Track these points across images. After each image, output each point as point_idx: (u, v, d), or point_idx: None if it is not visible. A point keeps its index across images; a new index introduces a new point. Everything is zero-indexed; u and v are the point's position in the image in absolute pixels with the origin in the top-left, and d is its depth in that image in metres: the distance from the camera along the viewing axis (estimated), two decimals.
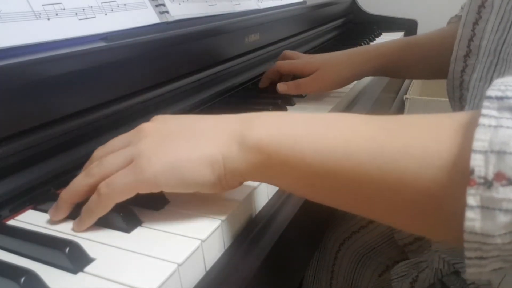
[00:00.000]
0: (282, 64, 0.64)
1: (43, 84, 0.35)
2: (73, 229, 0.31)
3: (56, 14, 0.41)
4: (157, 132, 0.31)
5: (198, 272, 0.28)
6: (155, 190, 0.29)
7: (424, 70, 0.63)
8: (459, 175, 0.20)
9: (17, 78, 0.33)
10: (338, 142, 0.25)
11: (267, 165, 0.28)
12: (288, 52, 0.69)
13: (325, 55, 0.64)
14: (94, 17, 0.45)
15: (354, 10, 1.37)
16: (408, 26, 1.30)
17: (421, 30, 1.31)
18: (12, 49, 0.36)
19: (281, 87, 0.60)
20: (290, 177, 0.28)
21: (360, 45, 1.03)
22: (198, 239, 0.28)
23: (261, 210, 0.37)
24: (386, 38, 1.20)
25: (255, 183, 0.36)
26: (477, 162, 0.19)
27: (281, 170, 0.28)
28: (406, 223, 0.25)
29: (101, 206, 0.29)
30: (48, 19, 0.40)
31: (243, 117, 0.31)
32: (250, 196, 0.35)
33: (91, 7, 0.45)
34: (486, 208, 0.19)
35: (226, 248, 0.32)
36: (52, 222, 0.32)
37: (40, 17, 0.40)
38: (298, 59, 0.65)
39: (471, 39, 0.44)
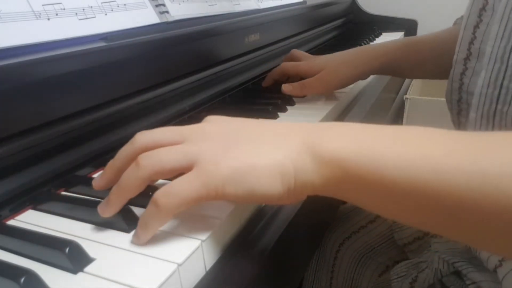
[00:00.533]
0: (287, 66, 0.64)
1: (43, 84, 0.35)
2: (133, 243, 0.28)
3: (56, 14, 0.41)
4: (221, 135, 0.28)
5: (198, 272, 0.28)
6: (220, 199, 0.27)
7: (428, 70, 0.63)
8: None
9: (17, 78, 0.33)
10: (425, 160, 0.24)
11: (343, 180, 0.26)
12: (295, 52, 0.68)
13: (330, 56, 0.64)
14: (94, 17, 0.45)
15: (354, 10, 1.37)
16: (408, 26, 1.30)
17: (421, 30, 1.31)
18: (12, 49, 0.36)
19: (286, 87, 0.60)
20: (368, 194, 0.26)
21: (360, 45, 1.03)
22: (198, 239, 0.28)
23: (262, 209, 0.37)
24: (386, 38, 1.20)
25: None
26: None
27: (358, 186, 0.26)
28: (506, 247, 0.24)
29: (159, 219, 0.26)
30: (48, 19, 0.40)
31: (313, 126, 0.29)
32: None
33: (91, 7, 0.46)
34: None
35: (226, 248, 0.32)
36: (102, 218, 0.30)
37: (40, 17, 0.40)
38: (303, 61, 0.65)
39: (471, 42, 0.44)
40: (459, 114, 0.49)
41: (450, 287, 0.48)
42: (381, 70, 0.63)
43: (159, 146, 0.28)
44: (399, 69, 0.64)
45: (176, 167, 0.27)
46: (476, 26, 0.43)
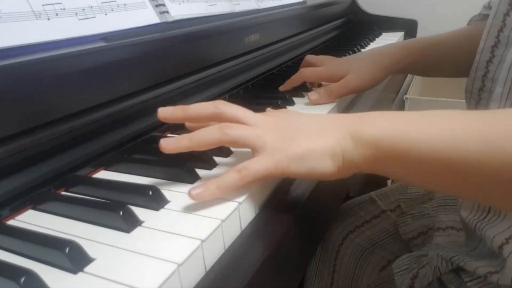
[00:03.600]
0: (306, 72, 0.62)
1: (43, 84, 0.35)
2: (192, 195, 0.32)
3: (56, 14, 0.41)
4: (284, 127, 0.36)
5: (198, 272, 0.28)
6: (285, 176, 0.34)
7: (449, 68, 0.63)
8: None
9: (17, 78, 0.33)
10: (443, 135, 0.30)
11: (379, 157, 0.32)
12: (310, 58, 0.67)
13: (350, 59, 0.64)
14: (94, 17, 0.45)
15: (354, 10, 1.37)
16: (408, 26, 1.30)
17: (421, 30, 1.31)
18: (12, 49, 0.36)
19: (313, 96, 0.58)
20: (399, 166, 0.33)
21: (360, 45, 1.03)
22: (198, 239, 0.28)
23: (262, 209, 0.37)
24: (386, 38, 1.20)
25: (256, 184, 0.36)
26: None
27: (392, 162, 0.32)
28: (506, 200, 0.30)
29: (239, 183, 0.33)
30: (48, 19, 0.40)
31: (352, 117, 0.36)
32: (250, 196, 0.35)
33: (91, 7, 0.46)
34: None
35: (226, 247, 0.32)
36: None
37: (40, 17, 0.40)
38: (320, 65, 0.64)
39: (501, 30, 0.45)
40: (478, 104, 0.50)
41: (449, 285, 0.49)
42: (402, 71, 0.64)
43: (236, 121, 0.36)
44: (418, 69, 0.65)
45: (247, 145, 0.35)
46: (507, 14, 0.44)
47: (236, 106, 0.37)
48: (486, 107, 0.47)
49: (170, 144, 0.35)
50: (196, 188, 0.32)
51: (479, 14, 0.64)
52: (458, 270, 0.48)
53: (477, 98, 0.50)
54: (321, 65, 0.64)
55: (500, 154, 0.27)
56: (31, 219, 0.33)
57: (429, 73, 0.70)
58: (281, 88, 0.65)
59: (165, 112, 0.37)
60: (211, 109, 0.36)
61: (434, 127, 0.31)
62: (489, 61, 0.47)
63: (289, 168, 0.33)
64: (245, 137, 0.34)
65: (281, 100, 0.58)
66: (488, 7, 0.60)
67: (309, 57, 0.68)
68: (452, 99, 1.26)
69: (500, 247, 0.41)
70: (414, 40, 0.65)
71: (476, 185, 0.30)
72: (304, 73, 0.62)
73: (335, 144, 0.33)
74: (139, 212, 0.32)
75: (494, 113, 0.31)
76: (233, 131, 0.34)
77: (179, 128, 0.52)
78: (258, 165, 0.33)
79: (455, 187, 0.32)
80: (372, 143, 0.32)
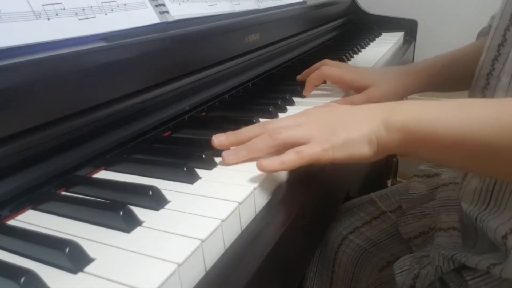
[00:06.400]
0: (328, 71, 0.63)
1: (42, 84, 0.35)
2: (259, 163, 0.38)
3: (56, 14, 0.41)
4: (324, 121, 0.42)
5: (198, 272, 0.28)
6: (330, 161, 0.39)
7: (468, 83, 0.64)
8: None
9: (17, 78, 0.33)
10: (462, 120, 0.35)
11: (408, 141, 0.38)
12: (328, 62, 0.68)
13: (374, 72, 0.64)
14: (94, 17, 0.45)
15: (354, 10, 1.37)
16: (408, 26, 1.30)
17: (421, 30, 1.31)
18: (12, 49, 0.36)
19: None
20: (426, 149, 0.38)
21: (360, 45, 1.03)
22: (198, 239, 0.28)
23: (262, 209, 0.37)
24: (386, 38, 1.20)
25: (255, 184, 0.36)
26: None
27: (419, 144, 0.38)
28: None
29: (297, 163, 0.38)
30: (48, 19, 0.40)
31: (387, 105, 0.41)
32: (250, 197, 0.35)
33: (91, 7, 0.46)
34: None
35: (226, 247, 0.32)
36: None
37: (40, 17, 0.40)
38: (342, 68, 0.64)
39: (507, 29, 0.46)
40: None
41: (450, 284, 0.49)
42: (425, 89, 0.64)
43: (291, 140, 0.41)
44: (442, 86, 0.65)
45: (296, 142, 0.40)
46: None
47: (278, 121, 0.43)
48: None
49: (231, 155, 0.41)
50: (265, 160, 0.38)
51: (488, 25, 0.64)
52: (459, 269, 0.48)
53: (481, 96, 0.50)
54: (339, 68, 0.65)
55: (506, 133, 0.32)
56: (31, 219, 0.33)
57: (454, 88, 0.70)
58: (305, 92, 0.66)
59: (220, 140, 0.43)
60: (259, 131, 0.43)
61: (455, 114, 0.36)
62: (495, 59, 0.48)
63: (334, 155, 0.39)
64: (293, 137, 0.40)
65: (281, 100, 0.58)
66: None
67: (326, 61, 0.68)
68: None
69: (504, 237, 0.41)
70: (437, 58, 0.65)
71: (486, 162, 0.35)
72: (326, 71, 0.63)
73: (371, 132, 0.39)
74: (139, 212, 0.32)
75: (505, 100, 0.35)
76: (281, 135, 0.40)
77: (179, 128, 0.52)
78: (311, 150, 0.39)
79: (471, 165, 0.38)
80: (401, 129, 0.38)
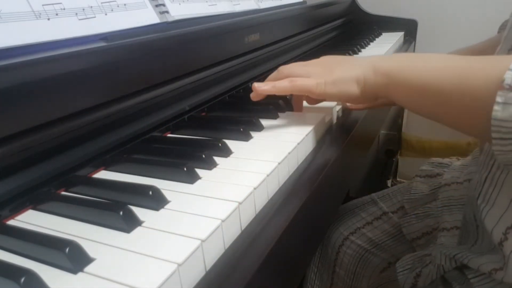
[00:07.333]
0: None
1: (43, 84, 0.35)
2: (255, 86, 0.49)
3: (56, 14, 0.41)
4: (325, 63, 0.51)
5: (198, 272, 0.28)
6: (322, 96, 0.49)
7: None
8: (498, 85, 0.31)
9: (17, 78, 0.33)
10: (428, 69, 0.40)
11: (389, 84, 0.44)
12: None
13: None
14: (94, 17, 0.45)
15: (354, 10, 1.37)
16: (408, 26, 1.30)
17: (421, 30, 1.31)
18: (12, 49, 0.36)
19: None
20: (400, 92, 0.43)
21: (360, 45, 1.03)
22: (198, 239, 0.28)
23: (261, 210, 0.37)
24: (386, 38, 1.20)
25: (255, 184, 0.36)
26: (508, 75, 0.31)
27: (396, 88, 0.44)
28: (462, 122, 0.38)
29: (288, 88, 0.48)
30: (48, 19, 0.40)
31: (378, 56, 0.48)
32: (250, 197, 0.35)
33: (91, 7, 0.46)
34: (507, 103, 0.30)
35: (226, 247, 0.32)
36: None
37: (40, 17, 0.40)
38: None
39: None
40: None
41: (452, 283, 0.49)
42: None
43: (295, 76, 0.50)
44: None
45: (306, 90, 0.49)
46: None
47: (292, 66, 0.52)
48: None
49: (262, 87, 0.49)
50: (259, 83, 0.48)
51: (507, 20, 0.64)
52: (461, 268, 0.48)
53: None
54: None
55: (466, 87, 0.35)
56: (31, 219, 0.33)
57: None
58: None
59: (264, 87, 0.50)
60: (276, 74, 0.52)
61: (426, 64, 0.41)
62: (511, 49, 0.47)
63: (325, 89, 0.47)
64: (306, 85, 0.48)
65: (281, 100, 0.58)
66: None
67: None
68: None
69: (500, 243, 0.41)
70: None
71: (447, 109, 0.39)
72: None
73: (360, 74, 0.46)
74: (139, 212, 0.32)
75: (482, 58, 0.37)
76: (298, 82, 0.49)
77: (179, 128, 0.52)
78: (304, 82, 0.47)
79: (432, 112, 0.42)
80: (384, 73, 0.44)
